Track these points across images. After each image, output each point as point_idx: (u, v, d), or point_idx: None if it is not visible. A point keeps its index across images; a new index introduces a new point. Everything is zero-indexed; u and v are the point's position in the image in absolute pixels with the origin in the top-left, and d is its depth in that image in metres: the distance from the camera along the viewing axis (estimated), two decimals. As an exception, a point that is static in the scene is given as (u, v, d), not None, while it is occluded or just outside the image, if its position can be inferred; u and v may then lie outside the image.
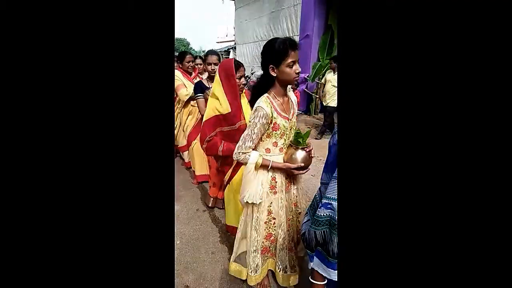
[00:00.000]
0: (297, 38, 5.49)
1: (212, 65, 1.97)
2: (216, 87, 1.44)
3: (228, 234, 1.85)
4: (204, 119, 1.53)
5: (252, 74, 6.85)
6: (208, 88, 2.00)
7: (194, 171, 2.53)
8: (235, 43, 9.42)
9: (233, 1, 8.49)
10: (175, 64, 2.68)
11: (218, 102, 1.44)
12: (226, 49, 12.72)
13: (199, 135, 1.70)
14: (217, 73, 1.44)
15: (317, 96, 5.34)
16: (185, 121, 2.56)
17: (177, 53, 2.72)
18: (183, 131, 2.64)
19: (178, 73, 2.50)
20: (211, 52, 2.06)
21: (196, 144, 2.27)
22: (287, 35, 5.75)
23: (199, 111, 2.04)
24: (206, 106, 1.65)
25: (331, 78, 3.97)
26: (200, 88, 2.00)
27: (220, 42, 18.63)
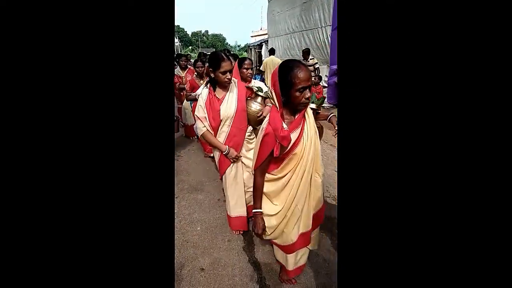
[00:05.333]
0: (329, 29, 5.27)
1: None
2: None
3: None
4: None
5: None
6: None
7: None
8: (268, 37, 9.37)
9: (266, -6, 8.43)
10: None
11: None
12: (259, 42, 12.70)
13: None
14: None
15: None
16: None
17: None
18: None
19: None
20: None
21: None
22: (319, 26, 5.57)
23: None
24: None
25: None
26: None
27: (254, 36, 18.65)
